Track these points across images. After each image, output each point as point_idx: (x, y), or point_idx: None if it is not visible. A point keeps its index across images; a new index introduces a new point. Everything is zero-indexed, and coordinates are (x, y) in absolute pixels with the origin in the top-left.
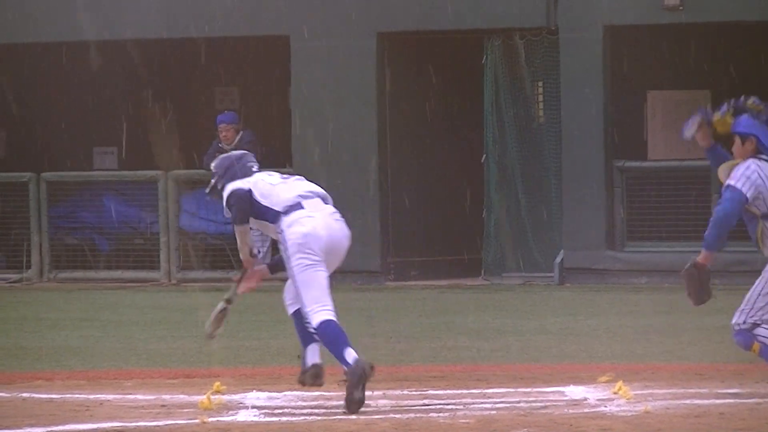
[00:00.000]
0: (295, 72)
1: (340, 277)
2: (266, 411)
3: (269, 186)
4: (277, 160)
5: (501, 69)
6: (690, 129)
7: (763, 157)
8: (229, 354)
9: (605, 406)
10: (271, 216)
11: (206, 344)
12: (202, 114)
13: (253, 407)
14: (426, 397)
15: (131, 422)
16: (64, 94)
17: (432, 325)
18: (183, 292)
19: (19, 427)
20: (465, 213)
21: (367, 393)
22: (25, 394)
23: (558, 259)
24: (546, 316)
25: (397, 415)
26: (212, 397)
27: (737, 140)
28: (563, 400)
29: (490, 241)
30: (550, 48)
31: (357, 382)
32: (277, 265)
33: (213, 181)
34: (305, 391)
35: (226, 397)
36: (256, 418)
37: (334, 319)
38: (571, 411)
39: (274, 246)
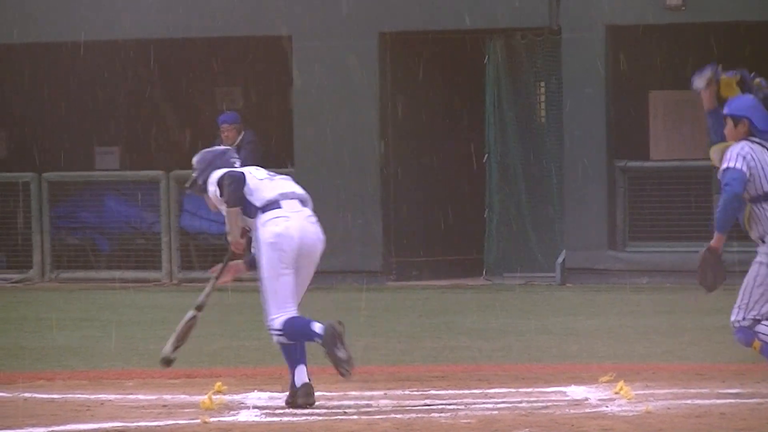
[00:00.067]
0: (296, 72)
1: (341, 277)
2: (267, 411)
3: (255, 180)
4: (279, 160)
5: (503, 69)
6: (701, 80)
7: (755, 139)
8: (230, 354)
9: (606, 406)
10: (251, 210)
11: (163, 364)
12: (204, 114)
13: (255, 407)
14: (427, 397)
15: (132, 422)
16: (65, 94)
17: (433, 325)
18: (184, 292)
19: (21, 427)
20: (466, 213)
21: (369, 393)
22: (26, 394)
23: (559, 259)
24: (547, 316)
25: (399, 415)
26: (213, 397)
27: (729, 122)
28: (564, 400)
29: (492, 241)
30: (552, 48)
31: (333, 342)
32: (254, 262)
33: (194, 175)
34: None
35: (227, 397)
36: (257, 418)
37: (295, 315)
38: (572, 411)
39: None
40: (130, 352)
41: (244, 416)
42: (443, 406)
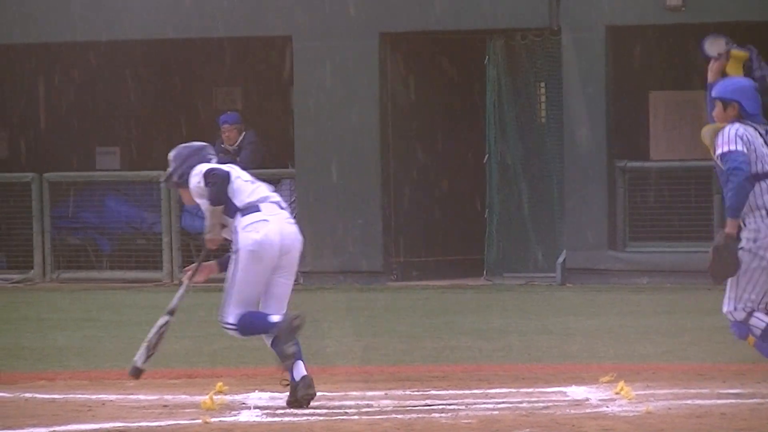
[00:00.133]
0: (297, 72)
1: (342, 277)
2: (268, 411)
3: (240, 181)
4: (279, 160)
5: (503, 69)
6: (713, 47)
7: (746, 122)
8: (231, 354)
9: (607, 407)
10: (230, 210)
11: (133, 375)
12: (204, 114)
13: (256, 407)
14: (428, 397)
15: (133, 422)
16: (65, 94)
17: (434, 325)
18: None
19: (22, 428)
20: (467, 213)
21: (369, 393)
22: (27, 395)
23: (560, 260)
24: (548, 317)
25: (400, 416)
26: (215, 397)
27: (719, 105)
28: (565, 401)
29: (492, 241)
30: (553, 48)
31: (288, 336)
32: (227, 263)
33: (170, 170)
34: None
35: (228, 398)
36: (258, 419)
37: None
38: (572, 411)
39: None
40: (131, 353)
41: (245, 416)
42: (444, 407)
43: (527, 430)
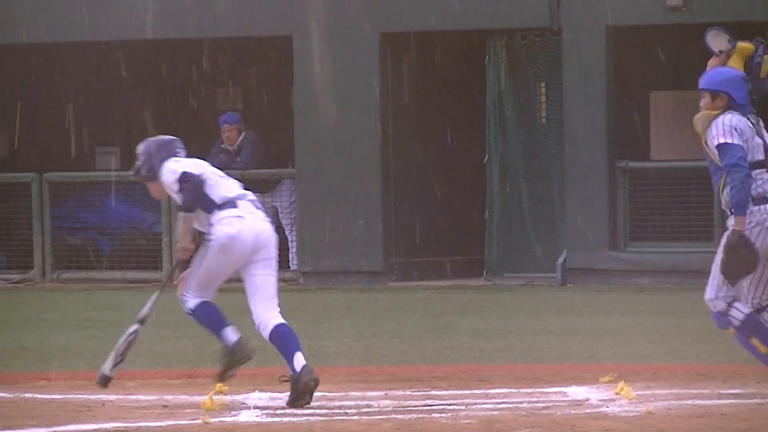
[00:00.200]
0: (297, 72)
1: (342, 278)
2: (268, 411)
3: (216, 177)
4: (280, 160)
5: (503, 69)
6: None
7: (736, 112)
8: None
9: (607, 407)
10: (208, 206)
11: (101, 383)
12: (205, 114)
13: (256, 408)
14: (428, 397)
15: (133, 423)
16: (66, 94)
17: (434, 326)
18: None
19: (22, 428)
20: (467, 213)
21: (370, 393)
22: (27, 395)
23: (560, 260)
24: (548, 317)
25: (400, 416)
26: (214, 397)
27: (707, 96)
28: (565, 401)
29: (493, 241)
30: (553, 48)
31: (233, 363)
32: None
33: (138, 163)
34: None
35: (228, 398)
36: (258, 419)
37: (209, 301)
38: (573, 411)
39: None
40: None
41: (245, 417)
42: (444, 407)
43: (527, 430)
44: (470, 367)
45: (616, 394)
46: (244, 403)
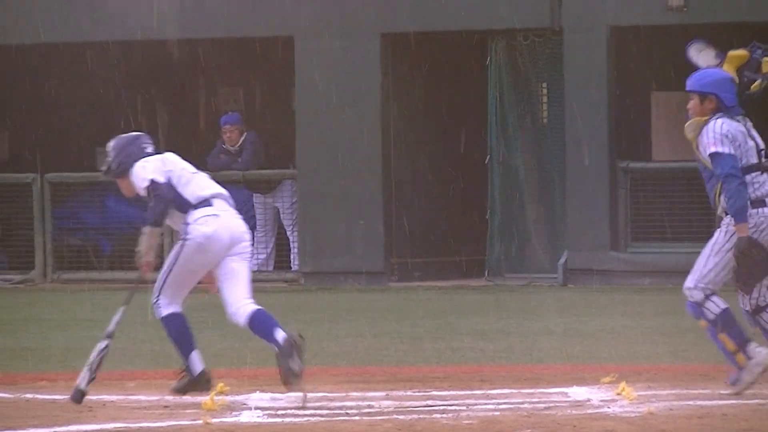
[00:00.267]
0: (298, 73)
1: (343, 278)
2: (269, 412)
3: (188, 174)
4: (281, 161)
5: (505, 70)
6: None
7: (727, 115)
8: (232, 355)
9: (608, 407)
10: (182, 205)
11: (76, 399)
12: (206, 115)
13: (257, 408)
14: (429, 398)
15: (134, 423)
16: (66, 94)
17: (435, 326)
18: None
19: (23, 428)
20: (468, 214)
21: (370, 394)
22: (28, 395)
23: (562, 260)
24: (549, 317)
25: (401, 416)
26: (216, 397)
27: (696, 98)
28: (566, 401)
29: (494, 242)
30: (554, 49)
31: (188, 388)
32: None
33: (108, 160)
34: (308, 392)
35: (229, 398)
36: (259, 419)
37: (183, 314)
38: (574, 412)
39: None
40: (132, 353)
41: (246, 417)
42: (445, 407)
43: (528, 430)
44: (471, 367)
45: (618, 394)
46: (245, 404)
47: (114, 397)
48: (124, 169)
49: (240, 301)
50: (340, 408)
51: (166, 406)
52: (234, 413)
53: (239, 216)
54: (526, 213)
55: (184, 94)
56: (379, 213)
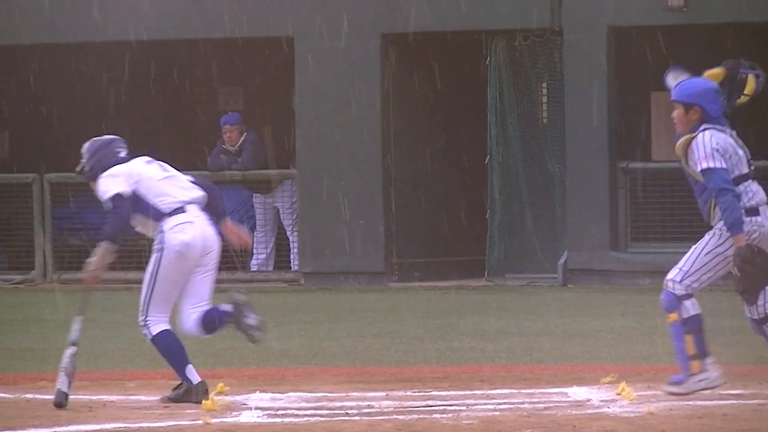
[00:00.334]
0: (299, 73)
1: (343, 278)
2: (269, 412)
3: (157, 183)
4: (281, 161)
5: (505, 70)
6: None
7: (710, 126)
8: (232, 355)
9: (608, 407)
10: (155, 214)
11: (61, 404)
12: (206, 115)
13: (257, 408)
14: (429, 398)
15: (134, 423)
16: (66, 94)
17: (435, 326)
18: None
19: (23, 428)
20: (468, 214)
21: (370, 394)
22: (28, 395)
23: (561, 260)
24: (549, 318)
25: (401, 417)
26: (216, 398)
27: (680, 108)
28: (566, 401)
29: (494, 242)
30: (554, 49)
31: (184, 399)
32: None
33: (82, 162)
34: (308, 392)
35: (229, 398)
36: (259, 419)
37: (171, 330)
38: (574, 412)
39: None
40: (132, 353)
41: (246, 417)
42: (445, 407)
43: (528, 430)
44: (471, 367)
45: (618, 394)
46: (245, 404)
47: (114, 397)
48: (95, 173)
49: (189, 308)
50: (340, 408)
51: (166, 407)
52: (234, 413)
53: (211, 222)
54: (525, 213)
55: (184, 94)
56: (379, 213)
